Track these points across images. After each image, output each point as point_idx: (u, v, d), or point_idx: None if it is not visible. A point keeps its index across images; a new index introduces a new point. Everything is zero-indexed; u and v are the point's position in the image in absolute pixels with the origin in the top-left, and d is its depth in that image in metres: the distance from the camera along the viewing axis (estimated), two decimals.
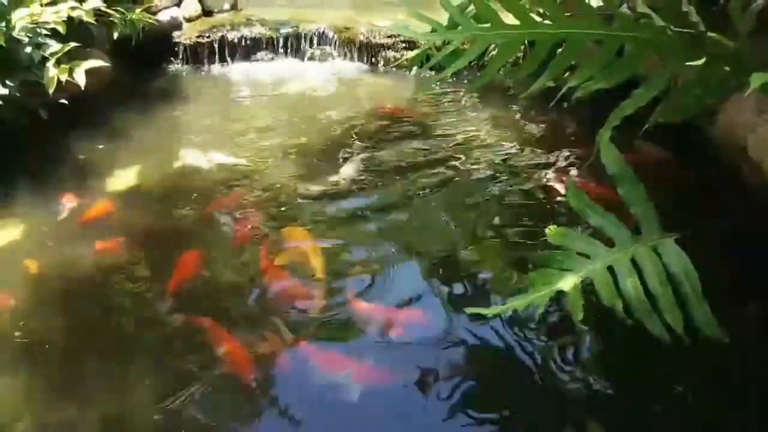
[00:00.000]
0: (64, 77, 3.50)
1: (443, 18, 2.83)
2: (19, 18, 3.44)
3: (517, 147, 3.74)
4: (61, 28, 3.53)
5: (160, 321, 2.50)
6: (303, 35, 5.15)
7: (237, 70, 5.10)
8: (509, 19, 2.54)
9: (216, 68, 5.11)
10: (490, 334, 2.37)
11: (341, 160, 3.57)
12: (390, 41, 5.04)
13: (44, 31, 3.56)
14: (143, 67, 4.76)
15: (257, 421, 2.16)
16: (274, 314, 2.49)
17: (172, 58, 5.10)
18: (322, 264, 2.70)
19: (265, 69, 5.09)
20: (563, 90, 2.59)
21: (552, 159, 3.56)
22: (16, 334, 2.41)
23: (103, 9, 3.91)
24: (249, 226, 3.00)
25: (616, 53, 2.54)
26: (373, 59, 5.09)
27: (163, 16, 4.97)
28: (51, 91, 3.47)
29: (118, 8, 4.11)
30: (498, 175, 3.44)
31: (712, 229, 2.52)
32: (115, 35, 4.17)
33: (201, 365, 2.27)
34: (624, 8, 2.46)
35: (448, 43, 2.72)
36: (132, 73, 4.55)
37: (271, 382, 2.26)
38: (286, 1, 5.64)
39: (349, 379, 2.20)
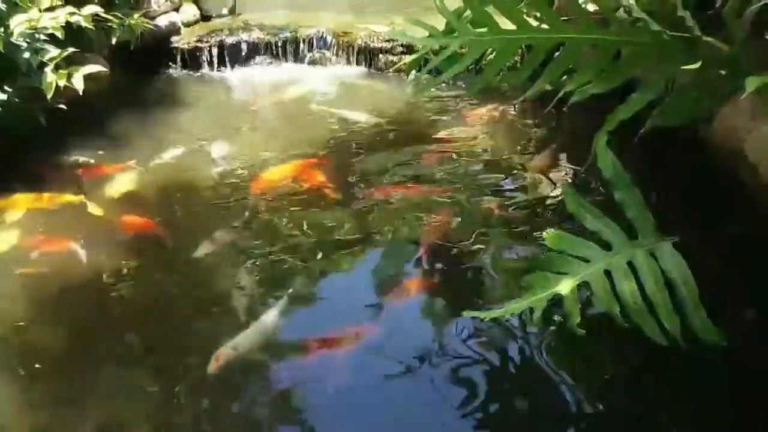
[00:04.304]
0: (62, 82, 3.51)
1: (441, 23, 2.84)
2: (18, 23, 3.44)
3: (514, 151, 3.75)
4: (59, 34, 3.54)
5: (156, 323, 2.51)
6: (301, 40, 5.16)
7: (235, 74, 5.11)
8: (506, 23, 2.55)
9: (214, 73, 5.12)
10: (487, 335, 2.37)
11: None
12: (388, 45, 5.05)
13: (42, 37, 3.56)
14: (142, 72, 4.77)
15: None
16: None
17: (170, 63, 5.11)
18: None
19: (264, 74, 5.10)
20: (560, 94, 2.60)
21: (549, 162, 3.56)
22: (14, 337, 2.41)
23: (102, 14, 3.92)
24: None
25: (613, 57, 2.55)
26: (372, 63, 5.10)
27: (162, 21, 4.99)
28: (50, 96, 3.47)
29: (117, 13, 4.11)
30: (495, 178, 3.45)
31: (709, 233, 2.52)
32: (114, 40, 4.19)
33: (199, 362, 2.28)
34: (620, 13, 2.47)
35: (445, 48, 2.73)
36: (130, 78, 4.55)
37: None
38: (284, 6, 5.65)
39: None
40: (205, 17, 5.47)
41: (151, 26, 4.55)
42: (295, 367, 2.33)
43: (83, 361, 2.34)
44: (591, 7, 2.67)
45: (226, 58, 5.15)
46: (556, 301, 2.19)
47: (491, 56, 2.94)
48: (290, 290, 2.59)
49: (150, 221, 3.07)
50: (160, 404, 2.15)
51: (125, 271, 2.77)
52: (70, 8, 3.67)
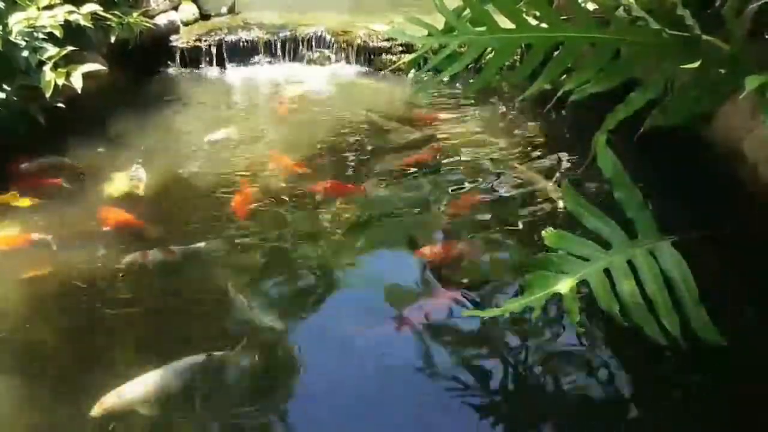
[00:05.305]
0: (61, 81, 3.50)
1: (440, 22, 2.84)
2: (16, 22, 3.44)
3: (514, 149, 3.75)
4: (58, 32, 3.53)
5: (154, 323, 2.50)
6: (301, 39, 5.16)
7: (234, 73, 5.11)
8: (505, 22, 2.55)
9: (214, 72, 5.12)
10: (487, 334, 2.38)
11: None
12: (387, 45, 5.05)
13: (41, 35, 3.56)
14: (141, 71, 4.76)
15: None
16: None
17: (169, 62, 5.11)
18: None
19: (263, 72, 5.10)
20: (559, 93, 2.60)
21: (548, 161, 3.56)
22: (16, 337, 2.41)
23: (101, 13, 3.92)
24: None
25: (612, 56, 2.54)
26: (371, 62, 5.10)
27: (161, 20, 4.99)
28: (48, 94, 3.47)
29: (116, 12, 4.11)
30: (495, 177, 3.45)
31: (708, 233, 2.52)
32: (113, 39, 4.18)
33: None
34: (620, 11, 2.47)
35: (445, 47, 2.73)
36: (129, 77, 4.55)
37: None
38: (283, 5, 5.65)
39: None
40: (205, 16, 5.47)
41: (150, 25, 4.55)
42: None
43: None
44: (590, 6, 2.66)
45: (225, 57, 5.15)
46: None
47: (490, 55, 2.93)
48: (211, 353, 2.27)
49: (131, 216, 3.06)
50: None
51: (109, 267, 2.76)
52: (68, 7, 3.67)
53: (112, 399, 2.11)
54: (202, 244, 2.88)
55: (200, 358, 2.25)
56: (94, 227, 3.00)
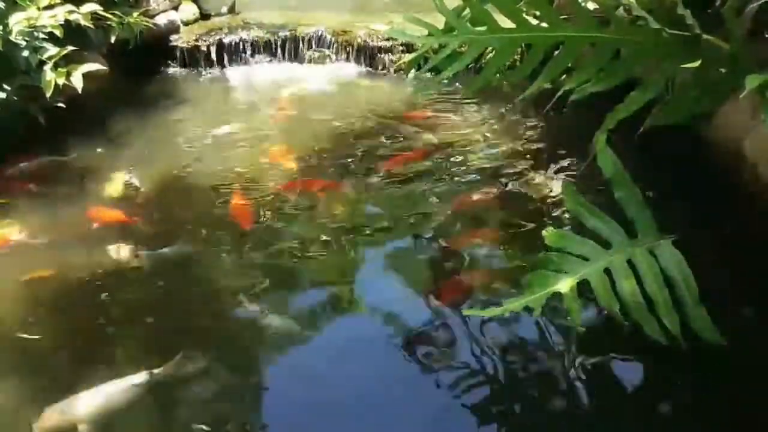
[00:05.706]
0: (61, 81, 3.50)
1: (440, 22, 2.84)
2: (17, 22, 3.44)
3: (514, 149, 3.74)
4: (58, 32, 3.53)
5: (155, 324, 2.51)
6: (301, 38, 5.16)
7: (235, 73, 5.10)
8: (505, 22, 2.55)
9: (214, 72, 5.12)
10: (486, 332, 2.38)
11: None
12: (388, 44, 5.04)
13: (41, 35, 3.56)
14: (141, 71, 4.75)
15: None
16: None
17: (169, 62, 5.10)
18: None
19: (263, 72, 5.10)
20: (559, 93, 2.60)
21: (548, 161, 3.56)
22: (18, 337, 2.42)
23: (101, 12, 3.92)
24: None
25: (612, 56, 2.55)
26: (371, 62, 5.10)
27: (161, 20, 4.98)
28: (48, 94, 3.47)
29: (116, 12, 4.11)
30: (495, 177, 3.44)
31: (708, 232, 2.52)
32: (113, 39, 4.17)
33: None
34: (620, 11, 2.47)
35: (445, 47, 2.73)
36: (129, 77, 4.54)
37: None
38: (283, 5, 5.64)
39: None
40: (205, 16, 5.46)
41: (150, 25, 4.54)
42: None
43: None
44: (591, 6, 2.67)
45: (225, 57, 5.14)
46: None
47: (491, 55, 2.93)
48: (157, 368, 2.21)
49: (126, 217, 3.07)
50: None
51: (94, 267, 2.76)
52: (69, 6, 3.67)
53: (56, 415, 2.04)
54: (190, 247, 2.89)
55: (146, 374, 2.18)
56: (87, 228, 3.00)
